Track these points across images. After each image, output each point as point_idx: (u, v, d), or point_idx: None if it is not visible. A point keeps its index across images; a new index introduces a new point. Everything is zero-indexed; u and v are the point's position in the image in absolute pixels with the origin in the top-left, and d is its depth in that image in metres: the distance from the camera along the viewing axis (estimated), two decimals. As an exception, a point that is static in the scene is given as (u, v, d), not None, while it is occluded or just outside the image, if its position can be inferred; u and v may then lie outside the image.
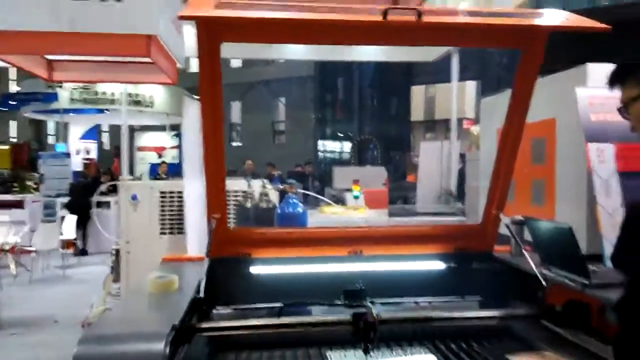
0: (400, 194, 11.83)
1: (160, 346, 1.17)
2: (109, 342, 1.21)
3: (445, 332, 1.94)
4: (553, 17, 1.69)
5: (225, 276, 2.09)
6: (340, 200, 6.62)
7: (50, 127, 23.45)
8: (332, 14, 1.60)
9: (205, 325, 1.71)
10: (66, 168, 12.96)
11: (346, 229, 2.54)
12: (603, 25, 1.56)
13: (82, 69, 7.70)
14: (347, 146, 22.67)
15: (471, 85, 17.43)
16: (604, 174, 2.63)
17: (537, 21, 1.69)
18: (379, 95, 22.55)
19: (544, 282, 1.84)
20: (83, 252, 9.59)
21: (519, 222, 2.05)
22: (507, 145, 2.03)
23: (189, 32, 6.34)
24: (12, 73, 21.92)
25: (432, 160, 8.07)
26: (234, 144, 22.85)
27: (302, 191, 5.48)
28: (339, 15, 1.53)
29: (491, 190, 2.14)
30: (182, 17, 1.44)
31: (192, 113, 3.54)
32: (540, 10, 1.79)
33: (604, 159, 2.65)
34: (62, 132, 15.94)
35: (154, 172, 12.06)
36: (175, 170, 10.66)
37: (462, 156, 8.05)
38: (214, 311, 2.04)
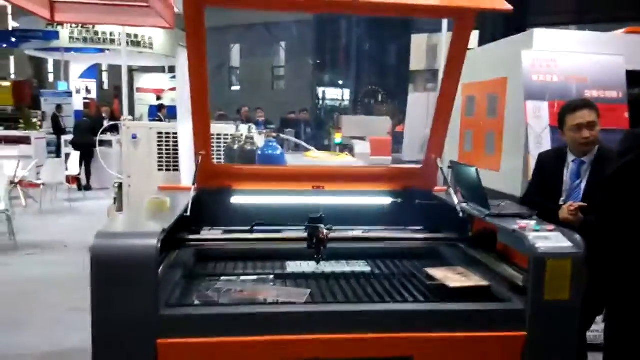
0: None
1: (153, 242, 1.64)
2: (116, 237, 1.68)
3: (382, 251, 2.42)
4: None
5: (210, 204, 2.52)
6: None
7: (50, 65, 23.47)
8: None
9: (190, 237, 2.19)
10: (68, 106, 13.27)
11: (311, 168, 2.98)
12: (508, 7, 1.95)
13: (83, 10, 7.91)
14: (346, 93, 22.74)
15: (473, 34, 17.39)
16: (538, 128, 3.06)
17: (451, 2, 2.07)
18: (379, 43, 22.43)
19: (461, 214, 2.30)
20: (87, 188, 10.11)
21: (449, 166, 2.49)
22: (443, 103, 2.44)
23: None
24: (10, 8, 21.69)
25: (419, 111, 8.43)
26: (233, 88, 22.94)
27: (289, 137, 5.86)
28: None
29: (431, 140, 2.57)
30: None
31: (184, 61, 3.86)
32: None
33: (539, 115, 3.07)
34: (62, 70, 16.12)
35: (154, 114, 12.40)
36: (174, 113, 10.99)
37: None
38: (201, 232, 2.51)
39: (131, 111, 13.78)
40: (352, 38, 22.54)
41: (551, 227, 1.90)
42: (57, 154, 10.84)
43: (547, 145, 3.04)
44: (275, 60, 23.55)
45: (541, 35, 3.31)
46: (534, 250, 1.75)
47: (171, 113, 11.28)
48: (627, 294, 1.34)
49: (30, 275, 5.04)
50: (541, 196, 2.63)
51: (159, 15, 7.25)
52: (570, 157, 2.62)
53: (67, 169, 8.66)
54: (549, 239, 1.81)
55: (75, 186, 9.53)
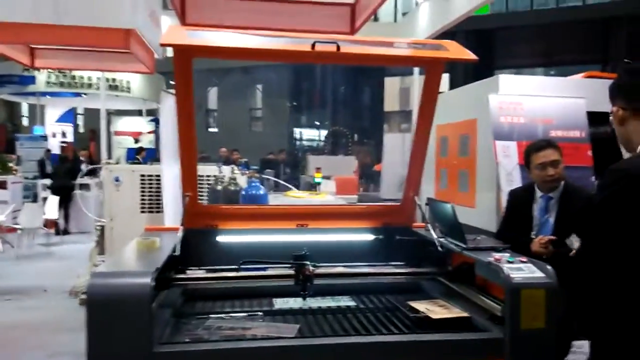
0: (369, 181, 12.52)
1: (147, 280, 1.69)
2: (110, 277, 1.73)
3: (366, 286, 2.50)
4: (438, 48, 2.23)
5: (197, 243, 2.58)
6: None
7: (24, 109, 23.32)
8: (276, 41, 2.13)
9: (179, 276, 2.24)
10: (43, 150, 13.17)
11: (295, 207, 3.06)
12: (474, 57, 2.13)
13: (63, 56, 8.00)
14: (322, 134, 23.15)
15: (444, 78, 18.05)
16: (508, 167, 3.25)
17: (421, 53, 2.24)
18: (354, 86, 23.05)
19: (440, 248, 2.41)
20: (65, 232, 9.94)
21: (427, 203, 2.62)
22: (418, 143, 2.58)
23: (166, 23, 6.74)
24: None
25: (395, 151, 8.69)
26: (211, 129, 23.09)
27: (269, 177, 5.98)
28: (280, 44, 2.06)
29: (408, 178, 2.70)
30: (163, 44, 1.95)
31: (168, 107, 3.96)
32: (438, 42, 2.32)
33: (508, 154, 3.26)
34: (37, 114, 16.05)
35: (132, 157, 12.38)
36: (152, 155, 11.03)
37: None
38: (188, 271, 2.55)
39: (109, 154, 13.73)
40: (327, 80, 23.11)
41: (524, 259, 2.02)
42: (34, 198, 10.69)
43: (517, 182, 3.21)
44: (252, 102, 23.90)
45: (506, 80, 3.57)
46: (509, 281, 1.86)
47: (149, 155, 11.31)
48: (613, 325, 1.46)
49: (9, 321, 4.93)
50: (513, 230, 2.77)
51: (139, 61, 7.40)
52: (538, 194, 2.78)
53: (44, 213, 8.55)
54: (522, 270, 1.92)
55: (53, 230, 9.38)
